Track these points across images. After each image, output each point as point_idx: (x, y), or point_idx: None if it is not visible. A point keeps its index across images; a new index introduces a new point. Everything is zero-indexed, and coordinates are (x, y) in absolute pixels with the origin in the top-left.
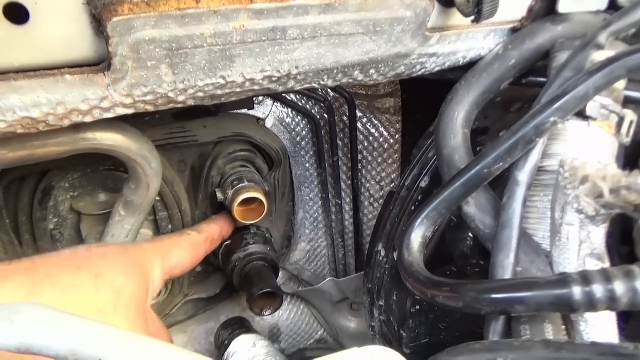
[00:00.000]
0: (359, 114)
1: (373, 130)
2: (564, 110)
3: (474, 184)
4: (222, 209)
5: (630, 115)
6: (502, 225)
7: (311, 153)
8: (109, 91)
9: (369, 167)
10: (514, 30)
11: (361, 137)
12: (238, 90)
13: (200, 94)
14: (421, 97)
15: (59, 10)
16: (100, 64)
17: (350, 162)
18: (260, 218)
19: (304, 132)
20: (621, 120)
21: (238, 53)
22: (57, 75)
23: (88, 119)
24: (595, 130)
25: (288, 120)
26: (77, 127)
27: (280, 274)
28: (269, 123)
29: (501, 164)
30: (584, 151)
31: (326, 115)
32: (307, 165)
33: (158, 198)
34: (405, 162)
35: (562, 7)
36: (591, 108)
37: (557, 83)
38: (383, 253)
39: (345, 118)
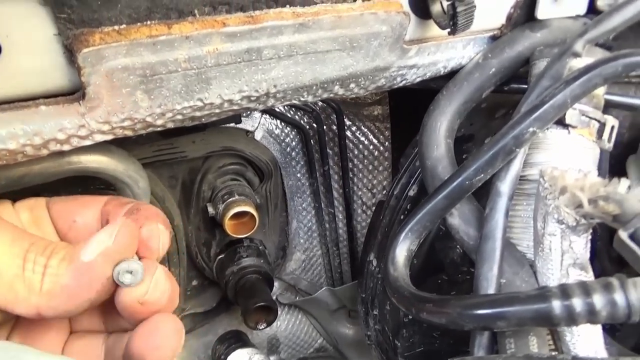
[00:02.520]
0: (347, 123)
1: (362, 138)
2: (542, 120)
3: (457, 195)
4: (214, 223)
5: (611, 120)
6: (485, 237)
7: (302, 163)
8: (85, 119)
9: (360, 174)
10: (494, 38)
11: (351, 145)
12: (217, 111)
13: (179, 117)
14: (409, 104)
15: (31, 42)
16: (75, 93)
17: (341, 170)
18: (252, 231)
19: (294, 143)
20: (602, 126)
21: (214, 75)
22: (32, 107)
23: (66, 147)
24: (575, 137)
25: (277, 131)
26: (61, 152)
27: (277, 284)
28: (258, 135)
29: (482, 175)
30: (565, 159)
31: (315, 125)
32: (299, 175)
33: None
34: (395, 169)
35: (541, 14)
36: (570, 116)
37: (535, 92)
38: (375, 263)
39: (334, 127)
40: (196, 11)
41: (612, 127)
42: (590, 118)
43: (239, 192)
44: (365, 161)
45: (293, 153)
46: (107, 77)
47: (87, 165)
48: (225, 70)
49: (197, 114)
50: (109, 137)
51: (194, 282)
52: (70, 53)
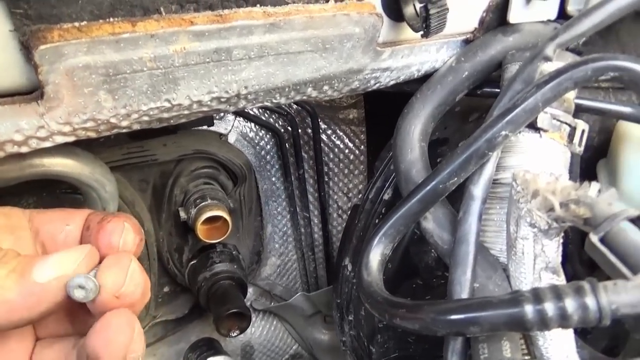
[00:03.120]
0: (322, 126)
1: (338, 142)
2: (514, 124)
3: (430, 199)
4: (186, 228)
5: (581, 124)
6: (459, 241)
7: (277, 167)
8: (44, 120)
9: (336, 178)
10: (467, 42)
11: (326, 148)
12: (186, 112)
13: (146, 118)
14: (384, 107)
15: None
16: (33, 92)
17: (316, 174)
18: (225, 236)
19: (268, 146)
20: (573, 130)
21: (182, 75)
22: None
23: (24, 149)
24: (547, 141)
25: (251, 134)
26: (22, 154)
27: (251, 289)
28: (231, 138)
29: (456, 178)
30: (537, 163)
31: (290, 128)
32: (273, 179)
33: None
34: (371, 173)
35: (513, 18)
36: (542, 120)
37: (508, 95)
38: (350, 267)
39: (309, 130)
40: (162, 9)
41: (583, 131)
42: (561, 122)
43: (211, 196)
44: (341, 165)
45: (268, 156)
46: (67, 75)
47: (51, 168)
48: (193, 71)
49: (165, 115)
50: (71, 138)
51: (166, 289)
52: (27, 50)
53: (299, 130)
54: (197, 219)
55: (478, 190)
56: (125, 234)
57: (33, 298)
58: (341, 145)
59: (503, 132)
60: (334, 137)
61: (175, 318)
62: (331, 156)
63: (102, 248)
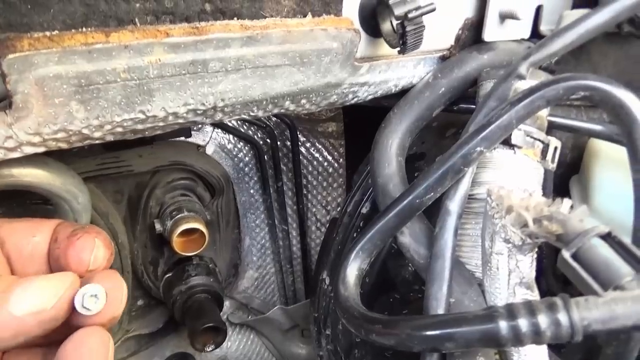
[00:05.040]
0: (301, 139)
1: (317, 155)
2: (489, 140)
3: (407, 214)
4: (162, 240)
5: (554, 142)
6: (435, 256)
7: (255, 179)
8: (12, 130)
9: (314, 191)
10: (443, 58)
11: (305, 161)
12: (161, 124)
13: (119, 129)
14: (363, 121)
15: None
16: (1, 101)
17: (295, 187)
18: (202, 249)
19: (247, 158)
20: (546, 147)
21: (157, 87)
22: None
23: None
24: (520, 157)
25: (230, 146)
26: None
27: (228, 303)
28: (209, 150)
29: (432, 193)
30: (511, 179)
31: (269, 141)
32: (252, 191)
33: None
34: (349, 186)
35: (487, 36)
36: (516, 136)
37: (483, 112)
38: (328, 281)
39: (288, 143)
40: (137, 20)
41: (555, 148)
42: (535, 139)
43: (188, 208)
44: (320, 177)
45: (246, 169)
46: (37, 85)
47: (20, 179)
48: (169, 82)
49: (140, 126)
50: (41, 149)
51: (140, 302)
52: None
53: (278, 143)
54: (173, 231)
55: (454, 205)
56: (96, 251)
57: (8, 331)
58: (320, 158)
59: (478, 148)
60: (313, 150)
61: (149, 332)
62: (310, 169)
63: (72, 265)
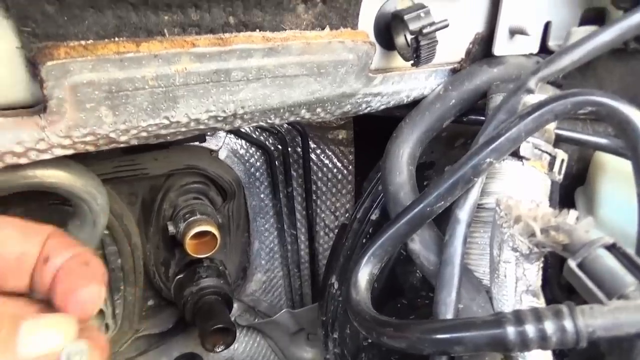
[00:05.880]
0: (312, 145)
1: (326, 161)
2: (498, 152)
3: (418, 221)
4: (174, 242)
5: (561, 154)
6: (444, 263)
7: (266, 184)
8: (45, 133)
9: (323, 197)
10: (454, 71)
11: (315, 167)
12: (183, 129)
13: (144, 134)
14: (373, 129)
15: None
16: (36, 105)
17: (305, 192)
18: (213, 251)
19: (258, 163)
20: (553, 159)
21: (181, 94)
22: None
23: (23, 161)
24: (528, 169)
25: (242, 151)
26: (16, 165)
27: (236, 305)
28: (222, 155)
29: (443, 202)
30: (519, 189)
31: (280, 147)
32: (262, 196)
33: (107, 232)
34: (358, 193)
35: (497, 50)
36: (524, 148)
37: (492, 124)
38: (336, 285)
39: (299, 149)
40: (165, 31)
41: (562, 161)
42: (542, 151)
43: (200, 211)
44: (329, 184)
45: (257, 173)
46: (71, 91)
47: (43, 179)
48: (193, 90)
49: (163, 132)
50: (70, 151)
51: (150, 302)
52: (33, 66)
53: (289, 149)
54: (185, 234)
55: (463, 214)
56: (98, 301)
57: None
58: (330, 165)
59: (488, 160)
60: (323, 157)
61: (159, 332)
62: (320, 175)
63: (70, 311)
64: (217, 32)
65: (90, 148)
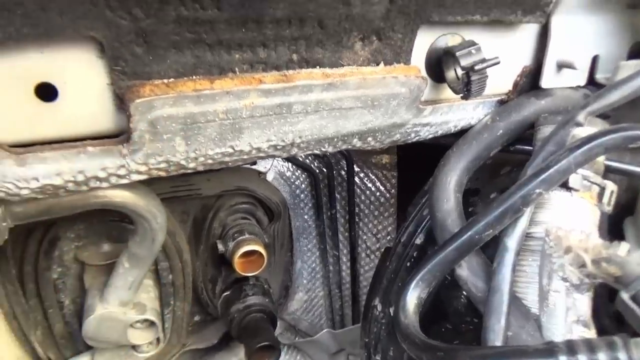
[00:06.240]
0: (356, 169)
1: (370, 185)
2: (547, 183)
3: (466, 248)
4: (222, 259)
5: (610, 185)
6: (493, 290)
7: (310, 205)
8: (126, 160)
9: (366, 219)
10: (501, 102)
11: (358, 190)
12: (245, 157)
13: (210, 161)
14: (416, 154)
15: (85, 89)
16: (119, 135)
17: (348, 214)
18: (260, 270)
19: (303, 186)
20: (602, 190)
21: (247, 126)
22: (80, 147)
23: (105, 185)
24: (577, 200)
25: (288, 174)
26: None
27: (278, 323)
28: (269, 176)
29: (491, 230)
30: (568, 220)
31: (325, 170)
32: (306, 217)
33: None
34: (401, 217)
35: (545, 83)
36: (574, 180)
37: (541, 156)
38: (380, 308)
39: (343, 172)
40: (236, 68)
41: (612, 192)
42: (592, 182)
43: (249, 230)
44: (372, 207)
45: (302, 195)
46: (152, 124)
47: (112, 199)
48: (257, 122)
49: (227, 159)
50: (144, 177)
51: (197, 318)
52: (121, 101)
53: (334, 172)
54: (234, 252)
55: (512, 242)
56: None
57: None
58: (373, 188)
59: (537, 190)
60: (367, 180)
61: (204, 347)
62: (363, 198)
63: None
64: (281, 68)
65: (162, 174)
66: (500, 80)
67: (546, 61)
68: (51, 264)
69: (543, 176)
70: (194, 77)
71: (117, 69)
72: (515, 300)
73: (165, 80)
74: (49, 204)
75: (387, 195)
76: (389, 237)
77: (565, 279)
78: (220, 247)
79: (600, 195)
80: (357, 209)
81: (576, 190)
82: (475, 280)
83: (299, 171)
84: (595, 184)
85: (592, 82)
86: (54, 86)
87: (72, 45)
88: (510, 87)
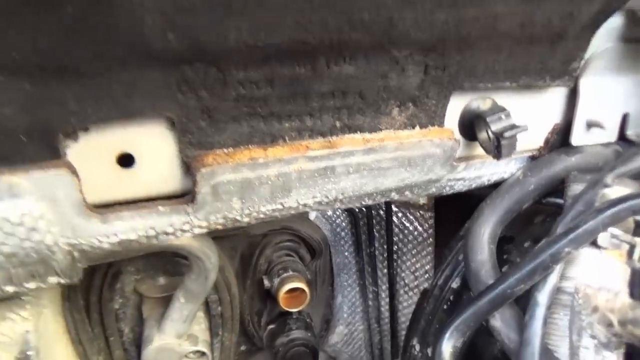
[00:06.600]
0: (394, 209)
1: (407, 224)
2: (576, 242)
3: (499, 301)
4: (268, 293)
5: None
6: (525, 343)
7: (350, 242)
8: (190, 217)
9: (404, 257)
10: (533, 158)
11: (396, 229)
12: (292, 211)
13: (262, 216)
14: (453, 196)
15: (158, 157)
16: (184, 195)
17: (386, 252)
18: (303, 306)
19: (344, 224)
20: (632, 248)
21: (295, 186)
22: (152, 207)
23: (171, 238)
24: (606, 258)
25: (329, 213)
26: None
27: (319, 355)
28: (312, 216)
29: (522, 285)
30: (596, 278)
31: (364, 209)
32: (346, 253)
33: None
34: (438, 256)
35: (575, 141)
36: (602, 238)
37: (571, 214)
38: (417, 348)
39: (381, 212)
40: (286, 136)
41: None
42: (621, 240)
43: (292, 268)
44: (410, 245)
45: (342, 233)
46: (214, 187)
47: (172, 243)
48: (304, 182)
49: (277, 213)
50: (204, 230)
51: (242, 348)
52: (187, 168)
53: (373, 211)
54: (279, 289)
55: (543, 297)
56: None
57: None
58: (411, 228)
59: (566, 249)
60: (405, 220)
61: None
62: (401, 237)
63: None
64: (326, 135)
65: (219, 227)
66: (532, 137)
67: (576, 119)
68: (113, 295)
69: (571, 236)
70: (250, 145)
71: (185, 140)
72: (547, 353)
73: (225, 150)
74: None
75: (425, 234)
76: (427, 275)
77: (594, 337)
78: (267, 282)
79: (631, 253)
80: (395, 247)
81: (605, 248)
82: (508, 331)
83: (339, 210)
84: (625, 241)
85: (623, 137)
86: (132, 155)
87: (148, 122)
88: (541, 143)
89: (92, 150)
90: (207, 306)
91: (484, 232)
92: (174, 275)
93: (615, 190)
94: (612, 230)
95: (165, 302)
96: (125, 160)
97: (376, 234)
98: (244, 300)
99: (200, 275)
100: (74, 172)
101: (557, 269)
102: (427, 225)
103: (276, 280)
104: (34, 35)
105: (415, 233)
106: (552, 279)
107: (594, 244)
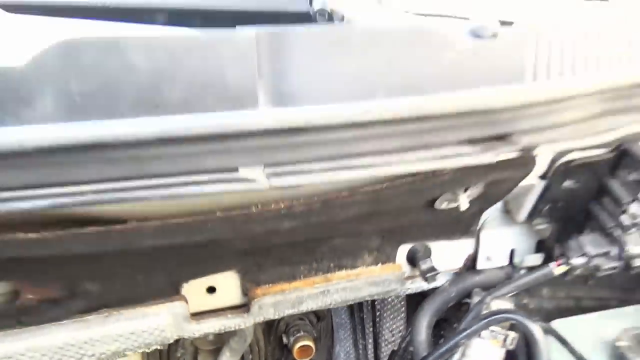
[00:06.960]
0: None
1: (387, 297)
2: (468, 336)
3: None
4: (285, 347)
5: (512, 334)
6: None
7: (345, 309)
8: (244, 320)
9: (384, 320)
10: (456, 274)
11: (378, 300)
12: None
13: (286, 316)
14: None
15: (229, 286)
16: (242, 306)
17: (372, 315)
18: (311, 357)
19: None
20: (506, 337)
21: (305, 300)
22: (224, 314)
23: (232, 329)
24: (487, 345)
25: None
26: None
27: None
28: None
29: (442, 358)
30: (483, 357)
31: None
32: (343, 316)
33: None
34: (409, 319)
35: (479, 266)
36: (484, 333)
37: (469, 317)
38: None
39: None
40: (301, 275)
41: (513, 338)
42: (498, 333)
43: (303, 329)
44: (389, 312)
45: None
46: (259, 305)
47: None
48: (311, 298)
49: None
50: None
51: None
52: (245, 294)
53: None
54: (293, 345)
55: None
56: None
57: None
58: (389, 299)
59: (463, 340)
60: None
61: None
62: (382, 305)
63: None
64: (324, 272)
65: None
66: (455, 261)
67: (478, 255)
68: (177, 347)
69: (464, 333)
70: (280, 281)
71: (245, 278)
72: None
73: (268, 285)
74: None
75: (399, 304)
76: (401, 332)
77: None
78: (285, 339)
79: (504, 341)
80: (378, 313)
81: (487, 338)
82: None
83: None
84: (500, 334)
85: (511, 263)
86: (214, 287)
87: (223, 271)
88: (461, 265)
89: (194, 287)
90: (242, 358)
91: (423, 321)
92: (221, 334)
93: (497, 303)
94: (493, 327)
95: (215, 353)
96: (211, 289)
97: (364, 303)
98: (268, 350)
99: (241, 337)
100: (185, 301)
101: (460, 350)
102: (400, 297)
103: (292, 338)
104: None
105: (393, 302)
106: (457, 356)
107: (479, 336)
